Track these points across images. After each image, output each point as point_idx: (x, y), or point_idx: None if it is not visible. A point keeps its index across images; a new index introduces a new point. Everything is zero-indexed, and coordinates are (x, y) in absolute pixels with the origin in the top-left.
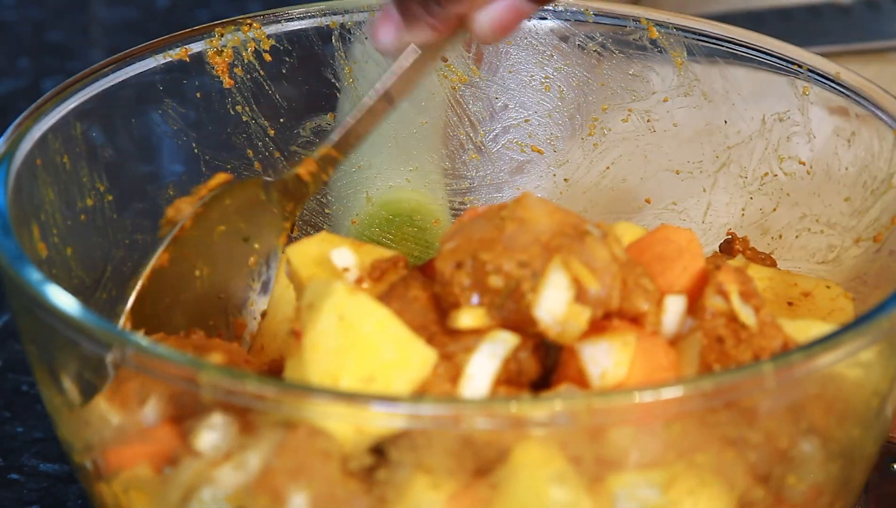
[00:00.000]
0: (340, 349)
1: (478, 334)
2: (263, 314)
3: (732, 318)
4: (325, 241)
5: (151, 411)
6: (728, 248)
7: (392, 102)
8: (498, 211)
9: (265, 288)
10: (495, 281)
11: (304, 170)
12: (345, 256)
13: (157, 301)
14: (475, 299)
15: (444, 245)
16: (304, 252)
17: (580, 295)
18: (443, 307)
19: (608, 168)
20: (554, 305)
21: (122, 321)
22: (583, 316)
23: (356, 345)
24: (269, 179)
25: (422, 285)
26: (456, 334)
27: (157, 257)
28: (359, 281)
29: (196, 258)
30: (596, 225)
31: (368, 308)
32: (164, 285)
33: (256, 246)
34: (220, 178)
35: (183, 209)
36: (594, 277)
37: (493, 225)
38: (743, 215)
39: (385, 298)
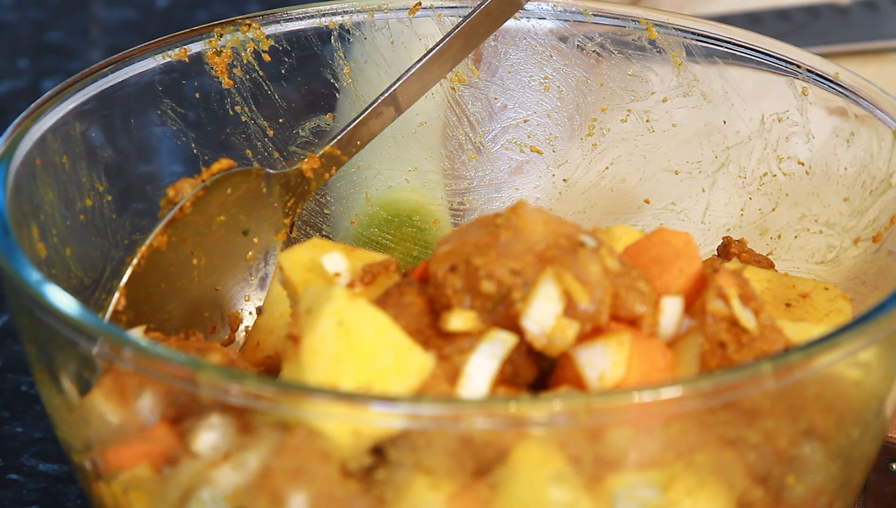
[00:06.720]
0: (339, 354)
1: (472, 336)
2: (259, 310)
3: (733, 322)
4: (317, 246)
5: (148, 405)
6: (724, 251)
7: (399, 106)
8: (493, 218)
9: (262, 284)
10: (487, 286)
11: (307, 166)
12: (336, 261)
13: (152, 285)
14: (467, 302)
15: (438, 248)
16: (296, 258)
17: (569, 309)
18: (436, 310)
19: (607, 168)
20: (542, 316)
21: (115, 297)
22: (570, 330)
23: (355, 351)
24: (271, 171)
25: (417, 290)
26: (451, 336)
27: (156, 237)
28: (350, 285)
29: (194, 246)
30: (591, 234)
31: (368, 314)
32: (160, 269)
33: (255, 240)
34: (223, 163)
35: (184, 190)
36: (585, 291)
37: (487, 232)
38: (742, 215)
39: (380, 303)
